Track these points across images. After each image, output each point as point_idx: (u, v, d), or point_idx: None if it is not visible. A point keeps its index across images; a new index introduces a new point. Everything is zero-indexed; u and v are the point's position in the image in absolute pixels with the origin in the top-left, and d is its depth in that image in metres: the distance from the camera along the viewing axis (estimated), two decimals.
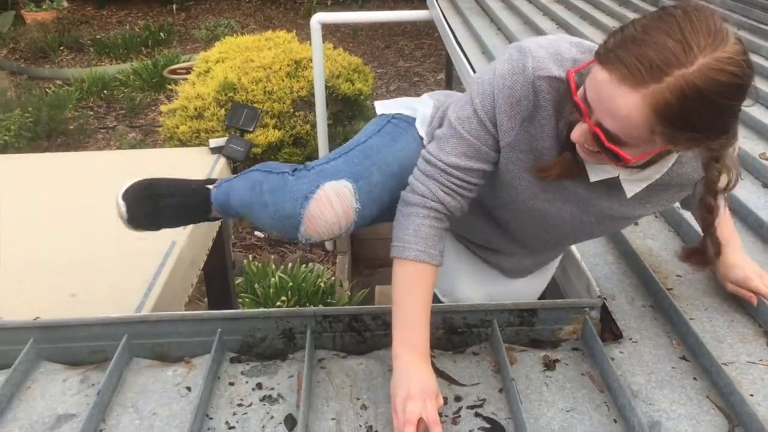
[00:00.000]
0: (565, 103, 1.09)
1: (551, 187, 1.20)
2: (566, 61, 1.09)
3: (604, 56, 0.94)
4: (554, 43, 1.12)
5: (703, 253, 1.25)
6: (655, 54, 0.90)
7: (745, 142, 2.00)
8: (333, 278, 4.27)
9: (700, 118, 0.92)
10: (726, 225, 1.39)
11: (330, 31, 8.37)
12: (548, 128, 1.12)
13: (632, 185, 1.15)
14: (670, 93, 0.90)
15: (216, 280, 2.77)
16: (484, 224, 1.40)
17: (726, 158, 1.10)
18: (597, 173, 1.14)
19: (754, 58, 2.71)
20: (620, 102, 0.93)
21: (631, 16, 3.44)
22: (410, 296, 1.15)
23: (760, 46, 2.86)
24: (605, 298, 1.40)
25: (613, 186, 1.16)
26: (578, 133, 1.02)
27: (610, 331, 1.34)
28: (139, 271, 1.80)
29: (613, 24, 3.27)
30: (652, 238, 1.63)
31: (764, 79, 2.52)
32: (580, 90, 1.00)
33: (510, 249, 1.46)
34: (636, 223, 1.68)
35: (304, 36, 6.11)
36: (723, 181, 1.12)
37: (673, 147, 1.00)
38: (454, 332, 1.35)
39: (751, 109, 2.20)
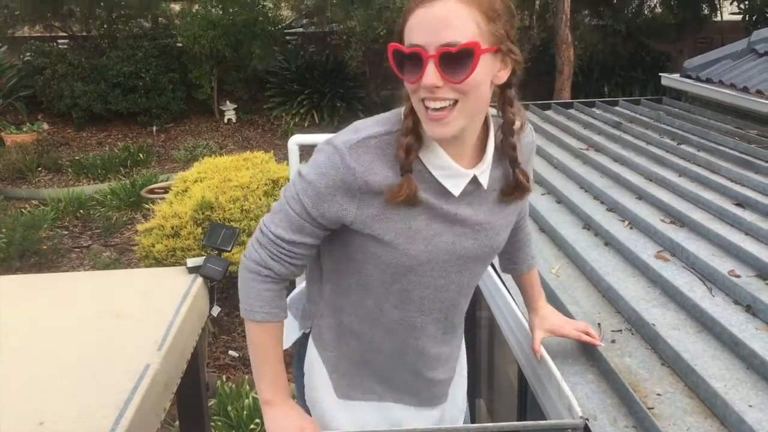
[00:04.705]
0: (389, 149, 1.22)
1: (432, 226, 1.28)
2: (370, 128, 1.23)
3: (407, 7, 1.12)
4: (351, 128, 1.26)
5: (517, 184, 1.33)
6: None
7: (714, 259, 2.06)
8: None
9: (500, 5, 1.14)
10: (536, 282, 1.66)
11: (307, 152, 8.55)
12: (391, 173, 1.22)
13: (483, 175, 1.28)
14: None
15: (189, 404, 2.68)
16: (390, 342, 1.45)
17: (516, 105, 1.27)
18: (456, 185, 1.25)
19: (714, 177, 2.83)
20: (442, 12, 1.09)
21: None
22: (265, 350, 1.35)
23: (720, 166, 3.00)
24: (587, 419, 1.38)
25: (474, 195, 1.29)
26: (430, 76, 1.10)
27: None
28: (110, 395, 1.75)
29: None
30: (630, 356, 1.64)
31: (726, 198, 2.62)
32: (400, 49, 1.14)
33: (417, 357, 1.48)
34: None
35: (281, 156, 6.27)
36: (517, 123, 1.29)
37: (496, 43, 1.14)
38: None
39: (717, 227, 2.28)
